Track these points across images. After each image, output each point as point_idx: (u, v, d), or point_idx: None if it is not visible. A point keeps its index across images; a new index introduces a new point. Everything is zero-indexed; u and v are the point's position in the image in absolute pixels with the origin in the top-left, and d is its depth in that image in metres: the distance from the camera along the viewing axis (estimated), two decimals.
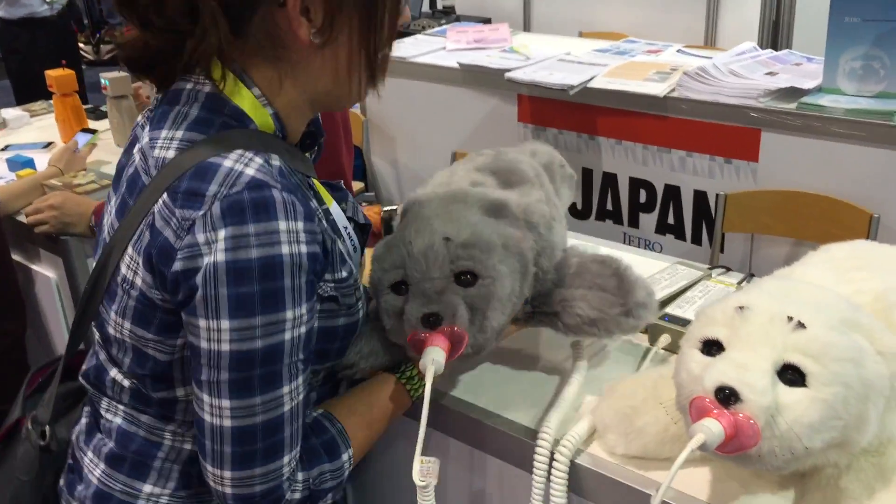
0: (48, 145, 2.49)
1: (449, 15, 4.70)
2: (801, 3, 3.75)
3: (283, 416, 0.84)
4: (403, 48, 2.84)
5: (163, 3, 0.80)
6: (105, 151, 2.38)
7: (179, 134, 0.85)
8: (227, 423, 0.82)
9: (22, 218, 1.94)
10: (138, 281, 0.84)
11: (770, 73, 2.29)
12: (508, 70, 2.52)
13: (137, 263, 0.84)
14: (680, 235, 2.38)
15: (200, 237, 0.78)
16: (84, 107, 2.61)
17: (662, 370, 0.98)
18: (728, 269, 1.40)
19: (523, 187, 1.11)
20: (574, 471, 0.95)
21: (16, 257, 2.07)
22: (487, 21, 4.23)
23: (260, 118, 0.88)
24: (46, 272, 2.04)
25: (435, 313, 0.92)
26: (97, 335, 0.95)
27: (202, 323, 0.79)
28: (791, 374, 0.76)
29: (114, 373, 0.94)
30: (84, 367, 1.00)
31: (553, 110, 2.50)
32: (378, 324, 1.01)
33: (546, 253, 1.04)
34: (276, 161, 0.85)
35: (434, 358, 0.91)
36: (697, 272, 1.36)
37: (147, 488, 0.93)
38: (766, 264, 2.18)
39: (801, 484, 0.87)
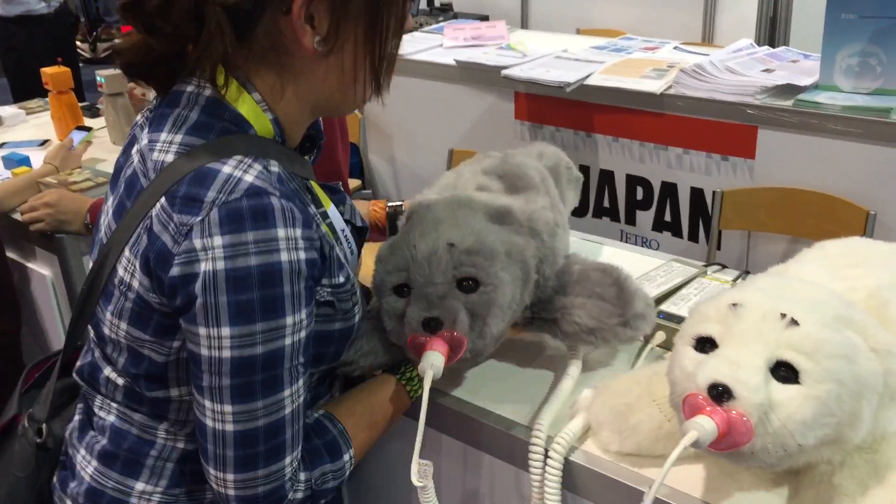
0: (44, 143, 2.48)
1: (446, 12, 4.70)
2: None
3: (284, 419, 0.84)
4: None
5: (169, 10, 0.80)
6: (100, 149, 2.38)
7: (179, 138, 0.84)
8: (230, 427, 0.82)
9: (17, 216, 1.93)
10: (135, 284, 0.84)
11: (767, 70, 2.29)
12: (505, 67, 2.51)
13: (134, 266, 0.84)
14: (677, 233, 2.38)
15: (197, 243, 0.78)
16: (80, 104, 2.61)
17: (657, 367, 0.98)
18: (723, 267, 1.40)
19: (529, 193, 1.12)
20: (568, 468, 0.95)
21: (11, 255, 2.06)
22: (485, 18, 4.22)
23: (260, 123, 0.87)
24: (42, 270, 2.03)
25: (436, 318, 0.93)
26: (92, 333, 0.95)
27: (202, 331, 0.79)
28: (784, 371, 0.76)
29: (108, 371, 0.93)
30: (79, 363, 1.00)
31: (550, 107, 2.50)
32: (379, 323, 1.01)
33: (548, 260, 1.05)
34: (274, 167, 0.85)
35: (433, 362, 0.92)
36: (692, 269, 1.36)
37: (139, 486, 0.92)
38: (763, 261, 2.17)
39: (794, 481, 0.87)
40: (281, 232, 0.79)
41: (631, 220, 2.47)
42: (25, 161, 2.20)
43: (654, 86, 2.27)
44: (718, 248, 2.25)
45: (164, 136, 0.85)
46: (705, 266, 1.38)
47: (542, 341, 1.19)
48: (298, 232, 0.81)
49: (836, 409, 0.75)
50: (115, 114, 2.41)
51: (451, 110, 2.71)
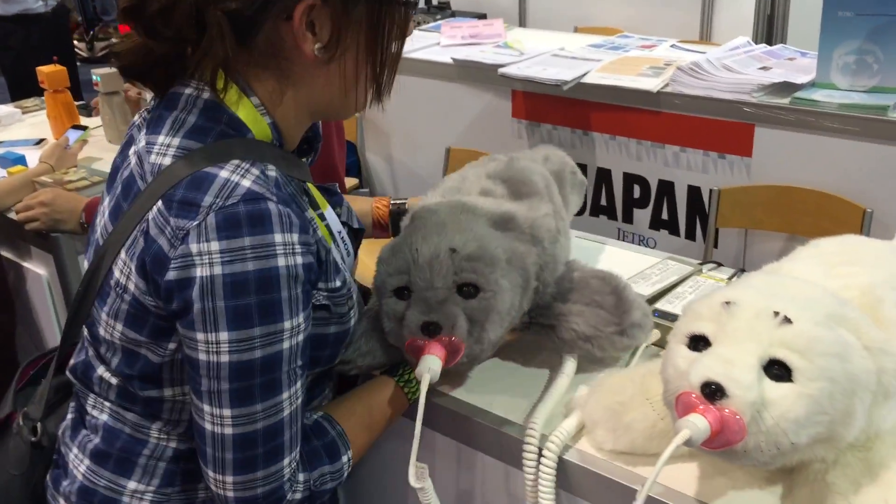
0: (40, 142, 2.48)
1: (444, 10, 4.70)
2: None
3: (283, 421, 0.84)
4: None
5: (171, 14, 0.80)
6: (96, 148, 2.37)
7: (176, 141, 0.84)
8: (229, 430, 0.82)
9: (12, 215, 1.93)
10: (131, 286, 0.84)
11: (763, 68, 2.29)
12: (502, 65, 2.51)
13: (130, 269, 0.84)
14: (674, 231, 2.38)
15: (194, 247, 0.78)
16: (77, 103, 2.60)
17: (651, 366, 0.98)
18: (719, 265, 1.40)
19: (532, 199, 1.12)
20: (562, 466, 0.95)
21: (6, 254, 2.06)
22: (483, 16, 4.22)
23: (258, 127, 0.87)
24: (37, 269, 2.03)
25: (435, 322, 0.94)
26: (86, 332, 0.95)
27: (200, 336, 0.80)
28: (777, 370, 0.76)
29: (101, 370, 0.93)
30: (72, 361, 1.00)
31: (547, 106, 2.50)
32: (378, 323, 1.02)
33: (549, 267, 1.06)
34: (272, 171, 0.85)
35: (430, 366, 0.92)
36: (688, 267, 1.36)
37: (132, 485, 0.92)
38: (760, 259, 2.17)
39: (788, 479, 0.87)
40: (278, 237, 0.79)
41: (628, 218, 2.47)
42: (21, 160, 2.19)
43: (651, 84, 2.27)
44: (715, 245, 2.25)
45: (161, 138, 0.85)
46: (700, 264, 1.38)
47: (537, 340, 1.19)
48: (295, 237, 0.81)
49: (829, 408, 0.75)
50: (111, 113, 2.40)
51: (448, 109, 2.71)
